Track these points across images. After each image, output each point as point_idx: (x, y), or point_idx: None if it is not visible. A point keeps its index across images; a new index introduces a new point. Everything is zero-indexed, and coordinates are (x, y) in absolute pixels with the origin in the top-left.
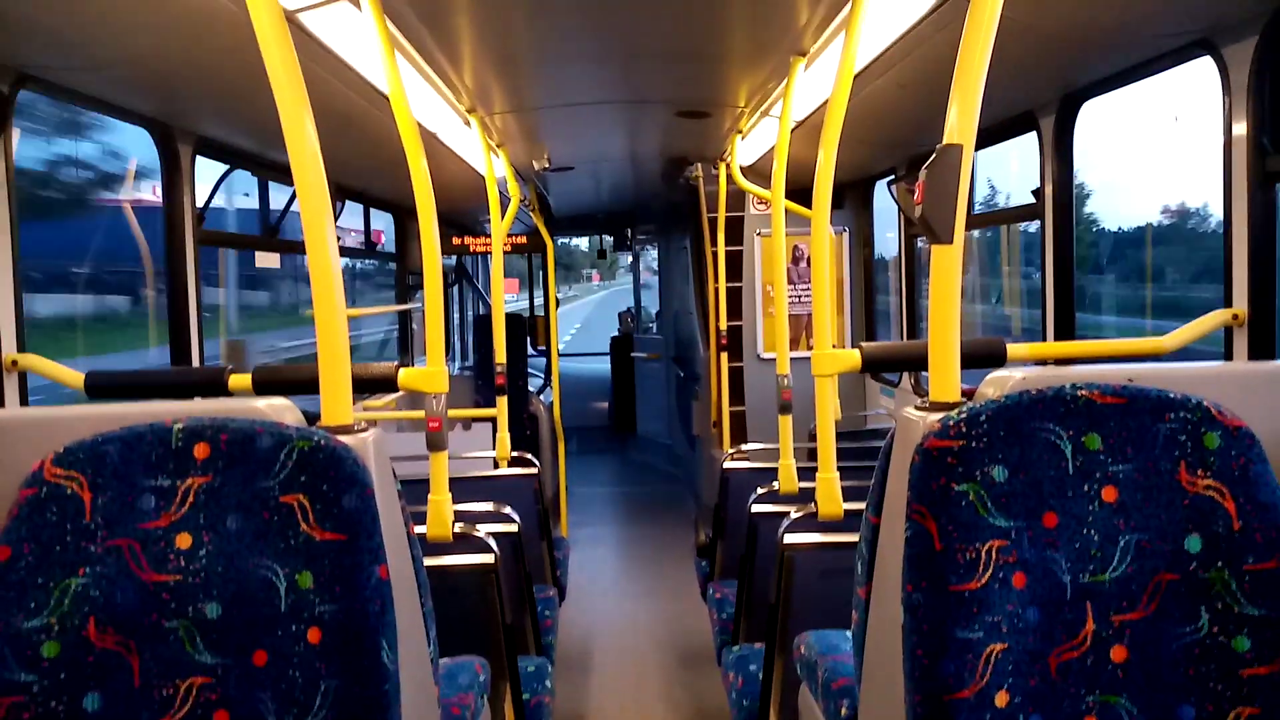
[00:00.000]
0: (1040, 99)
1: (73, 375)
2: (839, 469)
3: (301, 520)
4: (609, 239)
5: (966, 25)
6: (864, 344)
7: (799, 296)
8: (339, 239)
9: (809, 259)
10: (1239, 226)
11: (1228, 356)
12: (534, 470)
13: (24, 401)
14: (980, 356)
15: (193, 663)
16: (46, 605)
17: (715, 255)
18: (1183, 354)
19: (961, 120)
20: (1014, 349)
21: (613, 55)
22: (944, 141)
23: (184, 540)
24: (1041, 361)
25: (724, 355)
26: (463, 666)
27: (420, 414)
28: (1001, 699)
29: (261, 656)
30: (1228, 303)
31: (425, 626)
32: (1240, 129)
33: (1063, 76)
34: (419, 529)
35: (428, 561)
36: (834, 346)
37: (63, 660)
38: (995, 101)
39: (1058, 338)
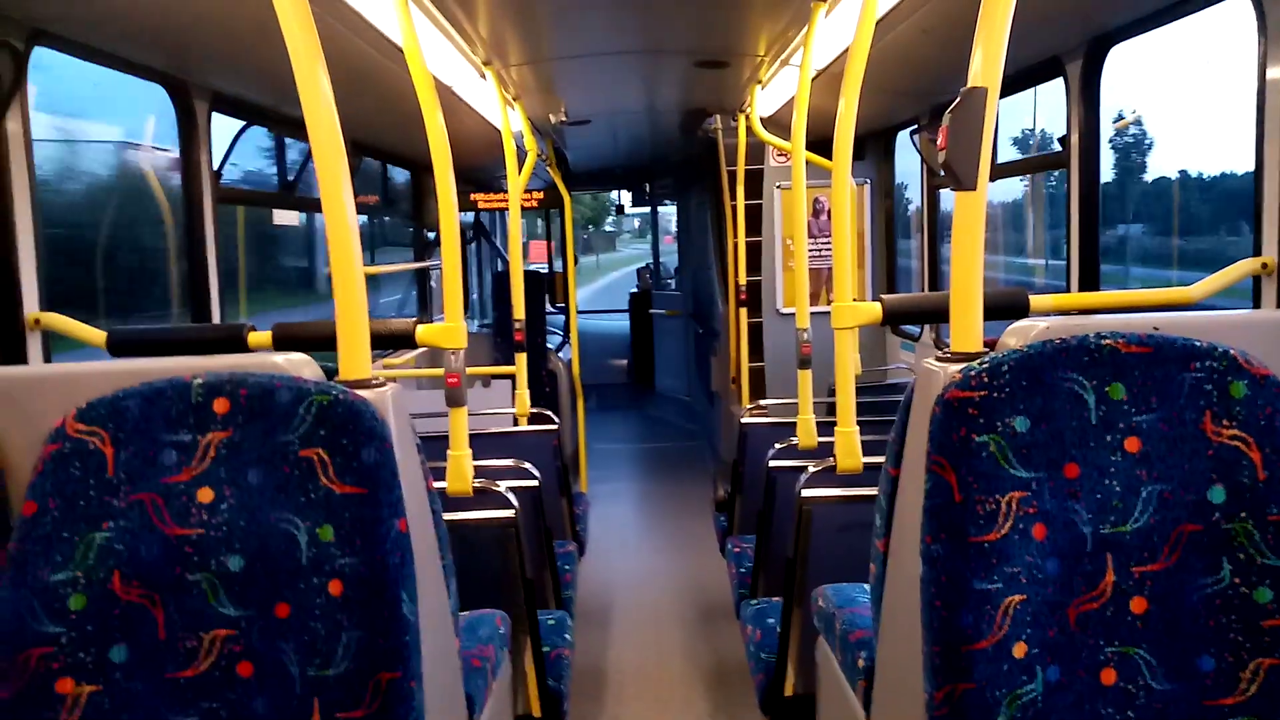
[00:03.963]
0: (1067, 43)
1: (94, 333)
2: (858, 423)
3: (321, 474)
4: (626, 193)
5: None
6: (885, 296)
7: (819, 250)
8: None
9: (829, 212)
10: (1270, 174)
11: (1256, 306)
12: (553, 427)
13: (47, 360)
14: (1002, 307)
15: (216, 615)
16: (72, 559)
17: (734, 209)
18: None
19: (987, 63)
20: (1037, 300)
21: (630, 3)
22: (968, 85)
23: (205, 494)
24: (1064, 312)
25: (743, 310)
26: (483, 619)
27: (439, 371)
28: (1019, 650)
29: (284, 609)
30: (1256, 251)
31: (446, 579)
32: (1276, 72)
33: (1091, 18)
34: (439, 484)
35: (448, 516)
36: (854, 300)
37: (89, 612)
38: (1020, 46)
39: (1082, 289)
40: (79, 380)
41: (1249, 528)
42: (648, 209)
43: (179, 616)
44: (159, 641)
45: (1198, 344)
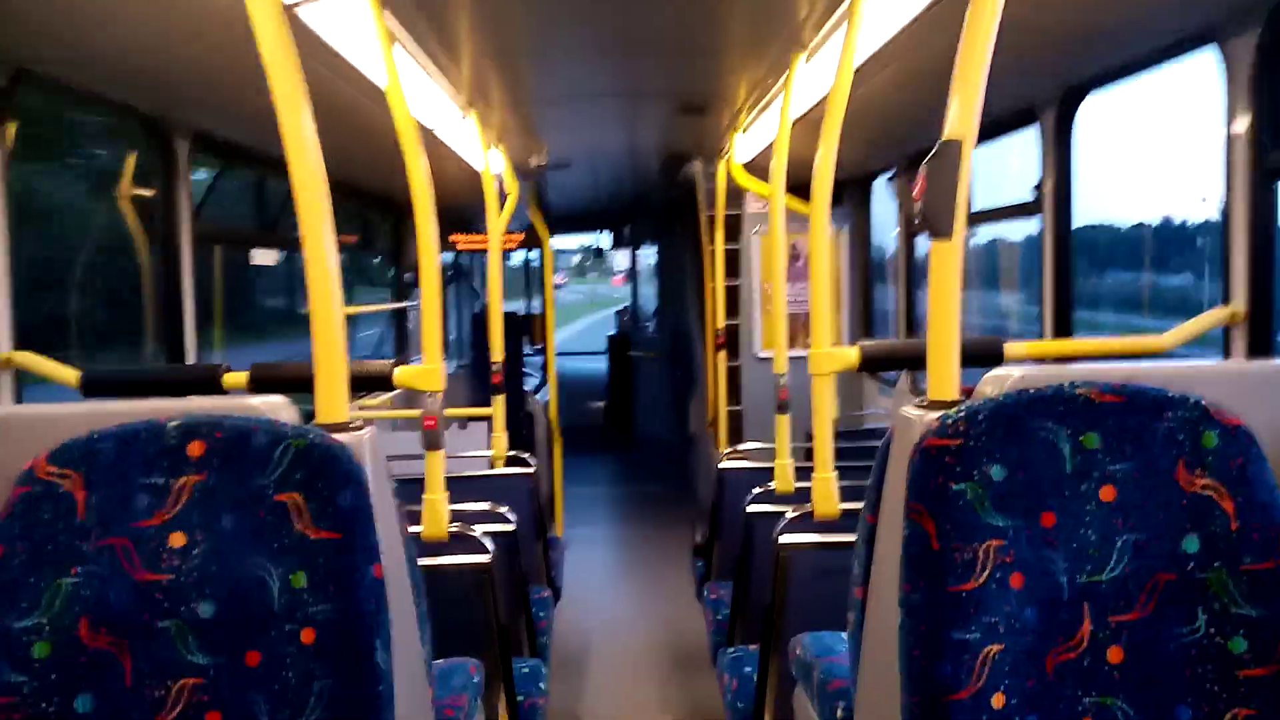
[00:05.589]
0: (1041, 93)
1: (68, 373)
2: (836, 469)
3: (296, 519)
4: (606, 235)
5: (968, 19)
6: (863, 342)
7: (795, 295)
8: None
9: (806, 258)
10: (1239, 224)
11: (1226, 355)
12: (530, 470)
13: (18, 400)
14: (978, 355)
15: (185, 663)
16: (38, 605)
17: (713, 253)
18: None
19: (962, 115)
20: (1012, 347)
21: (612, 48)
22: (944, 136)
23: (177, 539)
24: (1040, 360)
25: (721, 354)
26: (457, 668)
27: (417, 413)
28: (998, 700)
29: (254, 657)
30: (1226, 301)
31: (420, 627)
32: (1242, 124)
33: (1065, 69)
34: (414, 528)
35: (423, 561)
36: (832, 345)
37: (54, 661)
38: (995, 95)
39: (1056, 336)
40: (52, 421)
41: (1223, 577)
42: (628, 250)
43: (147, 665)
44: (125, 690)
45: (1170, 394)
